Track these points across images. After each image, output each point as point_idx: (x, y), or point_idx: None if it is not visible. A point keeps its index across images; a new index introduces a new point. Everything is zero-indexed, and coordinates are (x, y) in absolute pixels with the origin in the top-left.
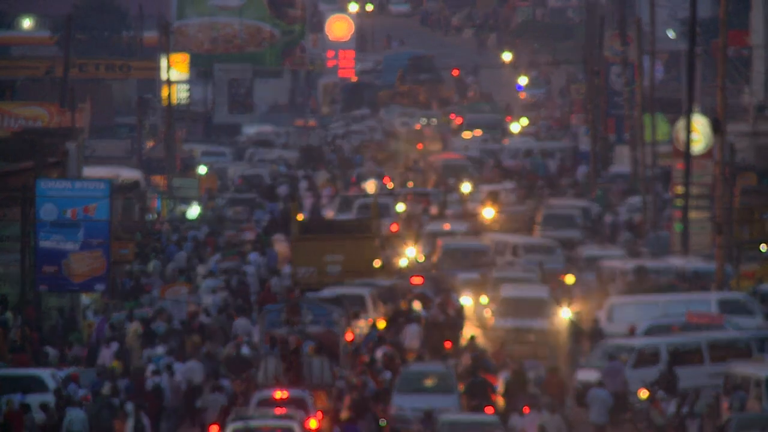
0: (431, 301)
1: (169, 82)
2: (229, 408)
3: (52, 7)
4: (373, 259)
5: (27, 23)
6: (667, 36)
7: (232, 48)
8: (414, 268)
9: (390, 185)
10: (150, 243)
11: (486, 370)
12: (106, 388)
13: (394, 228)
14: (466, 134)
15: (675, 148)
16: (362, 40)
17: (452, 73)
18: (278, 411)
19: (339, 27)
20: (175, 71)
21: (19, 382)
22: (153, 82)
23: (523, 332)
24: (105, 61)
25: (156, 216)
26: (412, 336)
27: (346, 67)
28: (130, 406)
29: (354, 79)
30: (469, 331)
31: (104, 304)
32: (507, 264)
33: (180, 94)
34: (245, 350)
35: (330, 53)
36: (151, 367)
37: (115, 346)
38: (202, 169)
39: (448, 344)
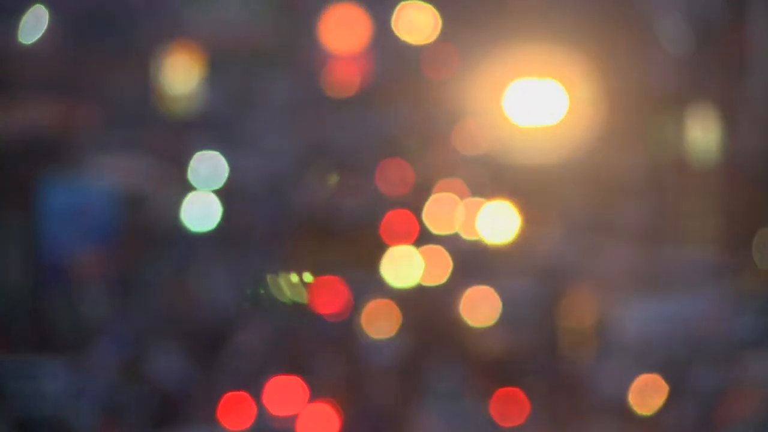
0: (436, 303)
1: (172, 82)
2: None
3: (57, 5)
4: (379, 258)
5: (30, 22)
6: (668, 35)
7: (236, 47)
8: (424, 268)
9: (396, 183)
10: (157, 241)
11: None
12: (109, 386)
13: (403, 226)
14: (473, 130)
15: (675, 147)
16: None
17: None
18: (283, 409)
19: (339, 25)
20: (179, 70)
21: (25, 376)
22: (158, 81)
23: (522, 334)
24: (111, 60)
25: (162, 215)
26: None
27: (350, 70)
28: (132, 406)
29: (357, 83)
30: (471, 334)
31: (110, 303)
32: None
33: (185, 92)
34: (249, 348)
35: (330, 53)
36: (159, 366)
37: (115, 344)
38: (208, 168)
39: (445, 345)
